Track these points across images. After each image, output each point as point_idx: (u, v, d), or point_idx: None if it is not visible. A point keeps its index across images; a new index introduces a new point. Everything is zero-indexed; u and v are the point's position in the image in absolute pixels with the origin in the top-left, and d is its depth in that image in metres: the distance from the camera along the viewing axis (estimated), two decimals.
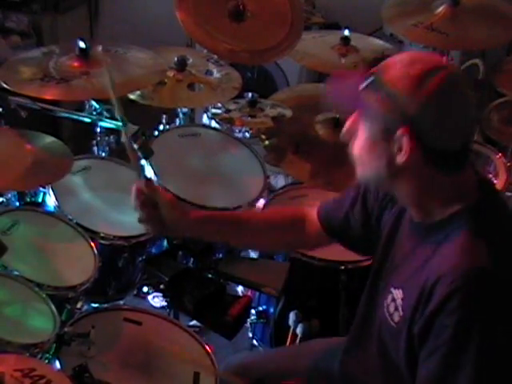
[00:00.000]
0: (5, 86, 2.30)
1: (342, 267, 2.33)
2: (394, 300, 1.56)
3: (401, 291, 1.55)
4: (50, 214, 2.29)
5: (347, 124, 1.55)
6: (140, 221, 1.82)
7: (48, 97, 2.32)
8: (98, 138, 2.69)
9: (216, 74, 2.76)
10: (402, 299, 1.54)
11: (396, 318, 1.55)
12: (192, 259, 2.42)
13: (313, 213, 1.88)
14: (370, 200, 1.75)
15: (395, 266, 1.62)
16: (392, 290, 1.58)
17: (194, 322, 2.44)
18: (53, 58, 2.45)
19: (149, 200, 1.80)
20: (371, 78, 1.46)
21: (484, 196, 1.52)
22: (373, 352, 1.67)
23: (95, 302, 2.31)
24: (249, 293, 2.48)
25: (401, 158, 1.45)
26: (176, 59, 2.69)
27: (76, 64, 2.42)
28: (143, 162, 2.47)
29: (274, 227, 1.93)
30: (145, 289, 2.58)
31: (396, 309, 1.55)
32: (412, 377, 1.53)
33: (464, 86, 1.46)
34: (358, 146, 1.52)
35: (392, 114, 1.43)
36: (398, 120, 1.43)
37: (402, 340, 1.52)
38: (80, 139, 2.87)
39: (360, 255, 2.02)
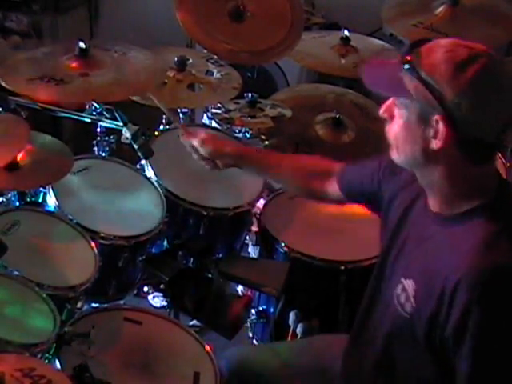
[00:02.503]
0: (3, 84, 2.29)
1: (342, 267, 2.33)
2: (404, 290, 1.56)
3: (412, 281, 1.55)
4: (50, 213, 2.29)
5: (383, 107, 1.54)
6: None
7: (46, 98, 2.32)
8: (99, 138, 2.69)
9: (216, 75, 2.76)
10: (415, 290, 1.54)
11: (408, 308, 1.55)
12: (192, 259, 2.42)
13: (335, 171, 1.92)
14: (387, 179, 1.75)
15: (405, 254, 1.62)
16: (402, 279, 1.57)
17: (194, 322, 2.44)
18: (53, 58, 2.45)
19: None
20: (410, 63, 1.45)
21: (503, 195, 1.52)
22: (376, 347, 1.67)
23: (95, 302, 2.31)
24: (249, 293, 2.47)
25: (436, 144, 1.45)
26: (176, 59, 2.69)
27: (75, 64, 2.42)
28: (143, 162, 2.48)
29: (302, 172, 2.02)
30: (145, 289, 2.58)
31: (407, 299, 1.55)
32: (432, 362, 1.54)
33: (506, 77, 1.45)
34: (394, 130, 1.52)
35: (429, 100, 1.43)
36: (434, 106, 1.42)
37: (418, 333, 1.53)
38: (80, 139, 2.87)
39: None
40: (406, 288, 1.56)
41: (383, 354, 1.66)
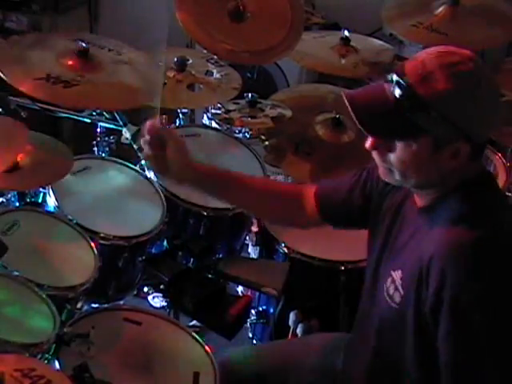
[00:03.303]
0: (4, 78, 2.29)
1: (342, 267, 2.33)
2: (393, 281, 1.58)
3: (399, 271, 1.57)
4: (50, 214, 2.29)
5: (372, 146, 1.52)
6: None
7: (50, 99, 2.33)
8: (98, 139, 2.69)
9: (216, 75, 2.76)
10: (401, 278, 1.56)
11: (397, 298, 1.56)
12: (192, 259, 2.42)
13: (310, 192, 1.88)
14: (369, 187, 1.76)
15: (395, 253, 1.63)
16: (391, 272, 1.59)
17: (194, 322, 2.44)
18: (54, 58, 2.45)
19: (159, 138, 1.77)
20: (414, 98, 1.44)
21: (480, 180, 1.54)
22: (372, 345, 1.67)
23: (95, 302, 2.31)
24: (249, 293, 2.47)
25: (455, 163, 1.47)
26: (176, 60, 2.69)
27: (75, 65, 2.42)
28: (143, 162, 2.48)
29: (272, 195, 1.93)
30: (145, 289, 2.58)
31: (396, 289, 1.57)
32: (420, 360, 1.55)
33: (487, 76, 1.49)
34: (401, 160, 1.50)
35: (442, 130, 1.44)
36: (450, 133, 1.44)
37: (408, 321, 1.54)
38: (80, 139, 2.87)
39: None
40: (394, 279, 1.58)
41: (379, 352, 1.66)
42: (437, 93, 1.42)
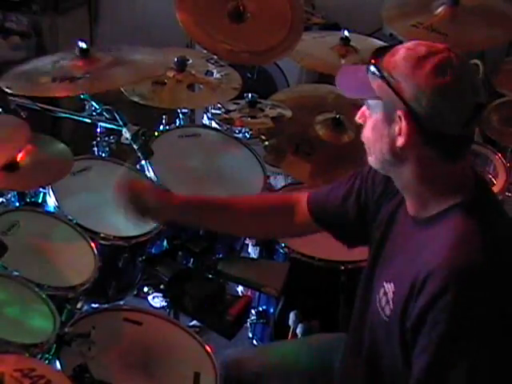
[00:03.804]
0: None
1: (342, 267, 2.33)
2: (385, 294, 1.57)
3: (392, 285, 1.56)
4: (50, 214, 2.29)
5: (358, 114, 1.58)
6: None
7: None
8: (98, 139, 2.69)
9: (216, 75, 2.76)
10: (394, 292, 1.55)
11: (387, 311, 1.56)
12: (192, 259, 2.42)
13: (302, 200, 1.88)
14: (364, 195, 1.75)
15: (388, 260, 1.63)
16: (384, 283, 1.58)
17: (194, 322, 2.44)
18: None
19: (132, 196, 1.84)
20: (373, 64, 1.49)
21: (479, 194, 1.53)
22: (365, 353, 1.67)
23: (95, 302, 2.31)
24: (249, 293, 2.47)
25: (400, 141, 1.47)
26: (176, 60, 2.69)
27: (77, 65, 2.42)
28: (143, 162, 2.48)
29: (261, 214, 1.94)
30: (145, 289, 2.58)
31: (387, 302, 1.56)
32: (409, 372, 1.52)
33: (466, 71, 1.47)
34: (365, 134, 1.56)
35: (391, 97, 1.46)
36: (396, 102, 1.45)
37: (395, 335, 1.53)
38: (80, 139, 2.87)
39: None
40: (386, 292, 1.57)
41: (372, 359, 1.65)
42: (393, 62, 1.46)
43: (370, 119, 1.53)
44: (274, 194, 2.01)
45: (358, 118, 1.58)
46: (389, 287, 1.56)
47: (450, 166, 1.50)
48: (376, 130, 1.52)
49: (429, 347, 1.44)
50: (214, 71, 2.77)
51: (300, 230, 1.95)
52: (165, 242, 2.47)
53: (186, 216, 1.93)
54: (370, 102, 1.52)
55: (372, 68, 1.49)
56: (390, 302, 1.55)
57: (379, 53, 1.51)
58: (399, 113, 1.45)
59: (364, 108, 1.56)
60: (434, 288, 1.42)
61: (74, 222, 2.25)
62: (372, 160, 1.58)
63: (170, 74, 2.67)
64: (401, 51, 1.47)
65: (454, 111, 1.45)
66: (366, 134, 1.55)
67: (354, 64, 2.75)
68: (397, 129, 1.47)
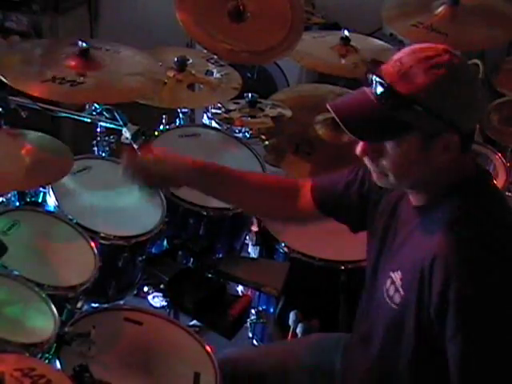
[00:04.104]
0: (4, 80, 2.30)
1: (342, 267, 2.33)
2: (393, 283, 1.58)
3: (399, 272, 1.56)
4: (50, 213, 2.28)
5: (359, 150, 1.53)
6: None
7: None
8: (98, 138, 2.69)
9: (216, 75, 2.76)
10: (401, 279, 1.55)
11: (397, 299, 1.56)
12: (192, 259, 2.42)
13: (306, 186, 1.88)
14: (367, 187, 1.75)
15: (392, 253, 1.63)
16: (390, 273, 1.59)
17: (194, 322, 2.44)
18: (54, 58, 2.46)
19: (138, 170, 1.87)
20: (390, 97, 1.44)
21: (479, 179, 1.55)
22: (374, 347, 1.67)
23: (95, 302, 2.31)
24: (249, 293, 2.47)
25: (448, 155, 1.47)
26: (176, 59, 2.70)
27: (76, 64, 2.42)
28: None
29: (268, 189, 1.94)
30: (145, 289, 2.58)
31: (396, 290, 1.56)
32: (414, 361, 1.56)
33: (470, 70, 1.53)
34: (393, 162, 1.50)
35: (426, 123, 1.44)
36: (435, 125, 1.44)
37: (407, 321, 1.54)
38: (80, 139, 2.87)
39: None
40: (394, 280, 1.58)
41: (377, 353, 1.66)
42: (417, 87, 1.42)
43: (393, 149, 1.48)
44: (282, 177, 2.00)
45: (361, 154, 1.53)
46: (396, 276, 1.57)
47: (464, 157, 1.52)
48: (411, 157, 1.48)
49: (463, 324, 1.45)
50: (214, 71, 2.78)
51: (301, 216, 1.94)
52: (165, 242, 2.47)
53: (200, 181, 1.91)
54: (392, 132, 1.47)
55: (395, 100, 1.43)
56: (400, 289, 1.55)
57: (380, 77, 1.46)
58: (445, 135, 1.45)
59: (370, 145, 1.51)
60: (443, 268, 1.45)
61: (74, 221, 2.25)
62: (397, 184, 1.54)
63: (170, 73, 2.67)
64: (415, 69, 1.43)
65: (477, 110, 1.51)
66: (395, 164, 1.49)
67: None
68: (440, 147, 1.46)
